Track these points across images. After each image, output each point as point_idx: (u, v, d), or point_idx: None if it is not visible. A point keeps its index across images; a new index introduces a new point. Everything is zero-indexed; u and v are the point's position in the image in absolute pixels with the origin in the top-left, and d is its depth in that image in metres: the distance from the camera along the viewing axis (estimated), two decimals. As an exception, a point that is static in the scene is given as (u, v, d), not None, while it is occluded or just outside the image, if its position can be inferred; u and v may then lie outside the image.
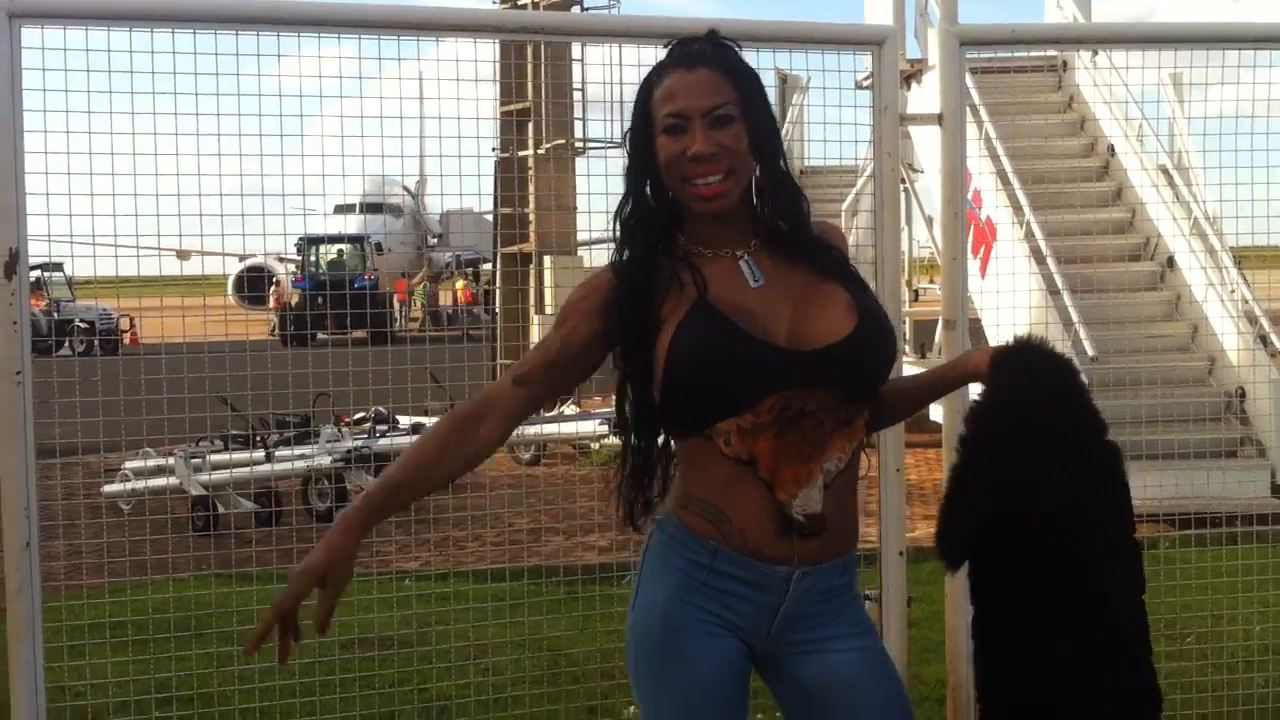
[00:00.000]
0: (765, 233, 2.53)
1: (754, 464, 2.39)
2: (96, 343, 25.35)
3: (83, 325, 27.49)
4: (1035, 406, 2.45)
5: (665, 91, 2.44)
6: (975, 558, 2.54)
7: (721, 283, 2.45)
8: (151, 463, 9.81)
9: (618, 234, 2.53)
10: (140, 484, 9.51)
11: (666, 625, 2.46)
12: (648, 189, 2.51)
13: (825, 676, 2.49)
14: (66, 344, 25.43)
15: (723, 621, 2.45)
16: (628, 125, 2.53)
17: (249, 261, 32.65)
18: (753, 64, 4.63)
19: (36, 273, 27.87)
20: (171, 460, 9.57)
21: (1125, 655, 2.45)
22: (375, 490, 2.48)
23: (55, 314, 28.46)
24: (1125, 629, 2.47)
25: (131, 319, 23.69)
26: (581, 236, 15.01)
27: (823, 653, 2.50)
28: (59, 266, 27.34)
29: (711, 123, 2.40)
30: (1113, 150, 13.09)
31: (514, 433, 8.67)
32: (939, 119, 4.56)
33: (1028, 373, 2.49)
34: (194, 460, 9.51)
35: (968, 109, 5.09)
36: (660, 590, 2.48)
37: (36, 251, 4.15)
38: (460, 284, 36.06)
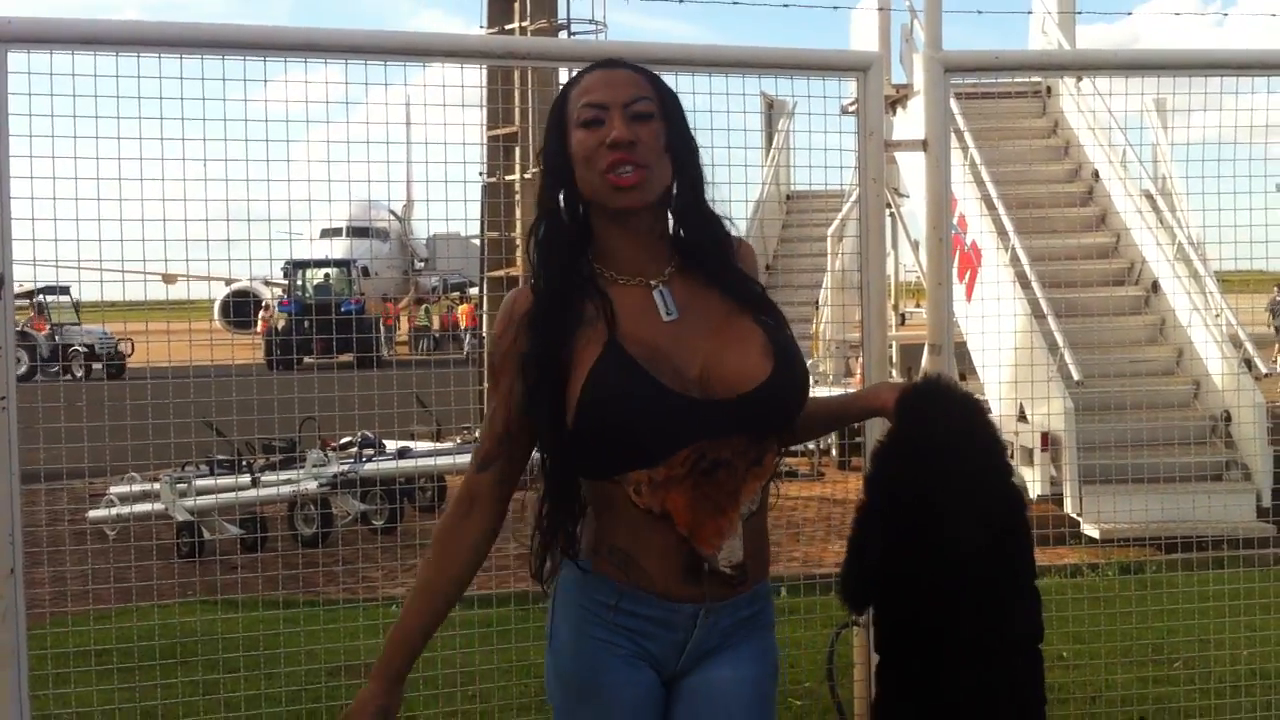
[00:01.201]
0: (681, 257, 2.43)
1: (669, 518, 2.31)
2: (102, 366, 25.19)
3: (82, 349, 27.25)
4: (940, 446, 2.39)
5: (583, 88, 2.36)
6: (881, 601, 2.48)
7: (633, 317, 2.34)
8: (137, 488, 9.77)
9: (533, 257, 2.41)
10: (125, 509, 9.45)
11: (579, 663, 2.41)
12: (561, 202, 2.40)
13: (694, 692, 2.42)
14: (67, 368, 25.26)
15: (633, 653, 2.39)
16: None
17: (235, 286, 32.58)
18: (739, 89, 4.70)
19: (41, 296, 27.82)
20: (157, 485, 9.52)
21: (1018, 702, 2.41)
22: (392, 634, 2.51)
23: (57, 337, 28.30)
24: (1021, 676, 2.43)
25: (132, 343, 23.56)
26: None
27: (704, 670, 2.42)
28: (65, 290, 27.26)
29: (631, 116, 2.31)
30: (1097, 175, 13.17)
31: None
32: (924, 145, 4.58)
33: (934, 412, 2.44)
34: (179, 485, 9.46)
35: (953, 134, 5.12)
36: (570, 629, 2.44)
37: (22, 276, 4.14)
38: (462, 307, 36.01)
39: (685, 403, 2.28)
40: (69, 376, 23.98)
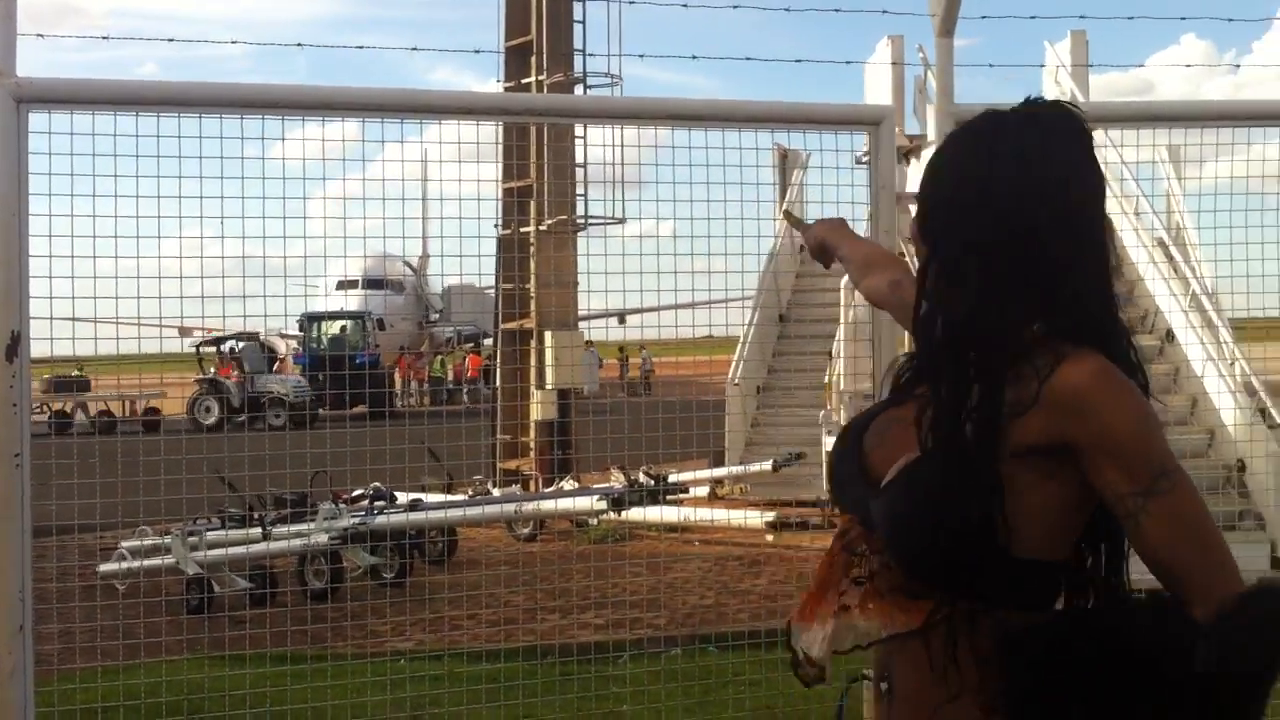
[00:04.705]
0: None
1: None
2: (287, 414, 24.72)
3: (281, 396, 26.70)
4: None
5: None
6: None
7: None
8: (148, 542, 9.74)
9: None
10: (135, 563, 9.43)
11: None
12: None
13: None
14: (260, 417, 24.98)
15: None
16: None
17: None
18: (751, 143, 4.74)
19: (231, 343, 27.68)
20: (168, 539, 9.50)
21: None
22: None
23: (249, 387, 27.97)
24: None
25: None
26: (582, 312, 15.10)
27: None
28: (254, 336, 27.19)
29: None
30: (1110, 224, 13.14)
31: (511, 509, 8.54)
32: (935, 198, 4.59)
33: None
34: (190, 539, 9.43)
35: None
36: None
37: (39, 332, 4.16)
38: (469, 357, 36.06)
39: (857, 469, 2.11)
40: (263, 426, 23.28)
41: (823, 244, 2.82)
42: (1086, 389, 1.89)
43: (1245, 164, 5.84)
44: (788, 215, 3.14)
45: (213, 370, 29.22)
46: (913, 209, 8.14)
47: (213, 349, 28.95)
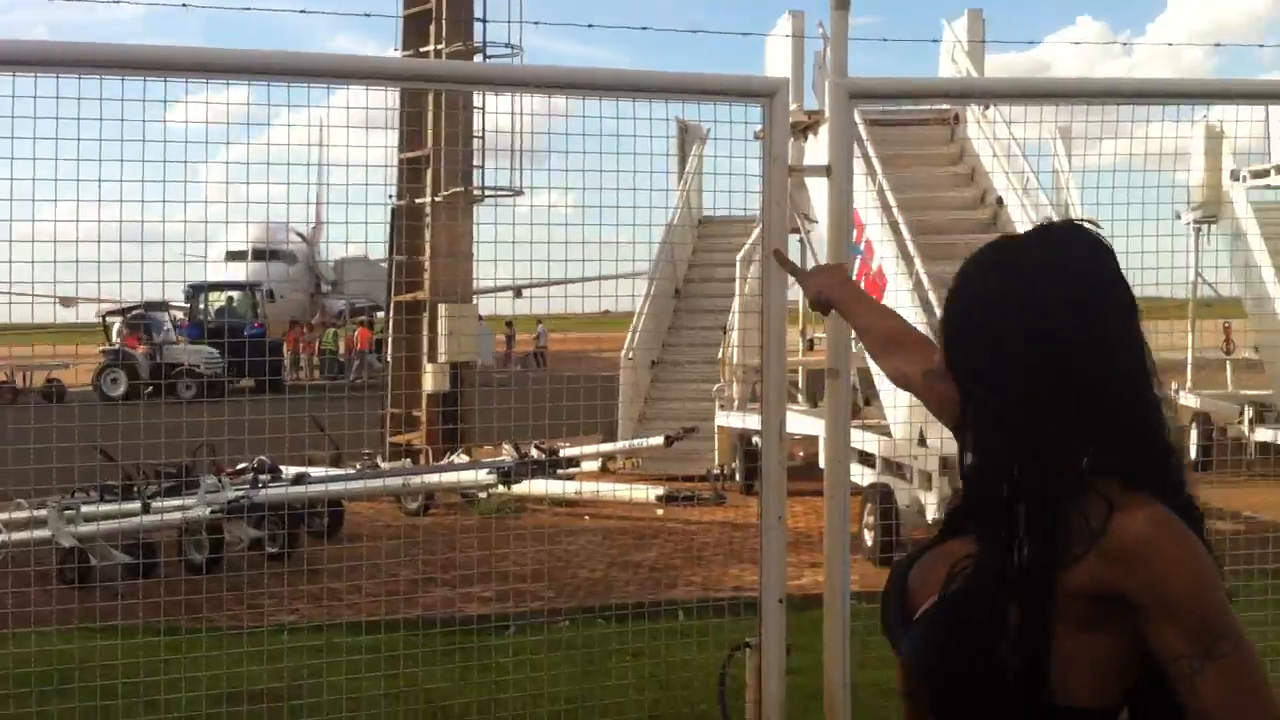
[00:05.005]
0: None
1: None
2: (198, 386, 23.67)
3: (192, 367, 25.77)
4: None
5: None
6: None
7: None
8: (20, 515, 9.44)
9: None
10: (6, 536, 9.14)
11: None
12: None
13: None
14: (171, 387, 24.18)
15: None
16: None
17: (135, 311, 31.91)
18: (647, 114, 4.70)
19: (136, 312, 26.75)
20: (44, 512, 9.22)
21: None
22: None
23: (158, 357, 27.20)
24: None
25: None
26: (477, 285, 14.96)
27: None
28: (164, 306, 26.25)
29: None
30: (1001, 201, 13.37)
31: (400, 482, 8.44)
32: (827, 170, 4.61)
33: None
34: (68, 512, 9.17)
35: (861, 160, 5.18)
36: None
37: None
38: (358, 330, 35.60)
39: (900, 610, 2.03)
40: (174, 398, 22.44)
41: (823, 299, 2.74)
42: (1145, 541, 1.79)
43: (1129, 142, 5.96)
44: (778, 255, 3.11)
45: (117, 340, 28.53)
46: (808, 182, 8.20)
47: (118, 319, 28.25)
